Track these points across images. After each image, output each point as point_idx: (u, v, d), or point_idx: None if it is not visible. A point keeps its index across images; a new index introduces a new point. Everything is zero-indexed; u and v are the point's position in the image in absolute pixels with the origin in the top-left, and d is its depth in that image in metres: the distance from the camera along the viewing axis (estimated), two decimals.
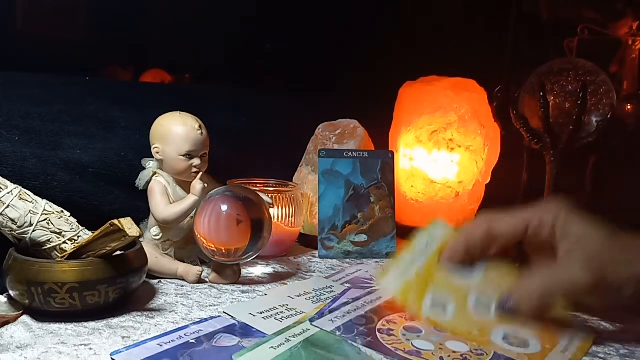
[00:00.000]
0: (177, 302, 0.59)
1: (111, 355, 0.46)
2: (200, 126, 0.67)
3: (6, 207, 0.54)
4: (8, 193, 0.54)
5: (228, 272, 0.66)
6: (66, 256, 0.54)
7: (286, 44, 1.35)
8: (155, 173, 0.68)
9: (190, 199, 0.65)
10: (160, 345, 0.48)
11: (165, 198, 0.66)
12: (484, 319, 0.54)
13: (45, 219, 0.56)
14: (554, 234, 0.51)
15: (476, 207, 0.96)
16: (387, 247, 0.83)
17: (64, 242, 0.56)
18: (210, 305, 0.59)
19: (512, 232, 0.53)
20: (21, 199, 0.55)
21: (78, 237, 0.57)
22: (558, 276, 0.50)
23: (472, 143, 0.90)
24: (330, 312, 0.56)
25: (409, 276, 0.56)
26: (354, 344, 0.50)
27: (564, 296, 0.50)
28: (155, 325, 0.53)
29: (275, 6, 1.32)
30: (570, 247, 0.50)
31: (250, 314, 0.56)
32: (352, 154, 0.84)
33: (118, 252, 0.55)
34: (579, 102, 0.88)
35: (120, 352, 0.47)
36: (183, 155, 0.66)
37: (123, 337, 0.50)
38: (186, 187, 0.67)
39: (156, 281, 0.65)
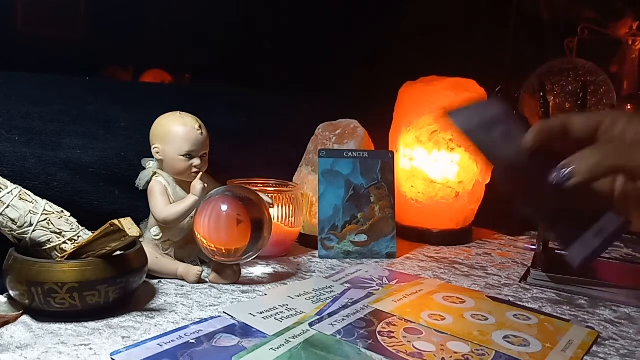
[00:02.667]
0: (177, 302, 0.59)
1: (111, 355, 0.46)
2: (200, 126, 0.67)
3: (6, 207, 0.54)
4: (8, 193, 0.54)
5: (228, 272, 0.66)
6: (66, 256, 0.54)
7: (286, 44, 1.35)
8: (155, 173, 0.68)
9: (190, 199, 0.65)
10: (160, 345, 0.48)
11: (165, 198, 0.66)
12: None
13: (45, 219, 0.56)
14: (626, 128, 0.48)
15: (476, 207, 0.96)
16: (387, 247, 0.83)
17: (64, 242, 0.56)
18: (210, 305, 0.59)
19: (586, 125, 0.49)
20: (21, 199, 0.55)
21: (78, 237, 0.57)
22: (622, 150, 0.46)
23: None
24: (330, 315, 0.56)
25: None
26: (353, 344, 0.50)
27: (623, 171, 0.45)
28: (155, 325, 0.53)
29: (276, 6, 1.32)
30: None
31: (250, 314, 0.56)
32: (352, 154, 0.84)
33: (118, 252, 0.55)
34: (579, 102, 0.88)
35: (120, 352, 0.47)
36: (183, 155, 0.66)
37: (123, 337, 0.50)
38: (186, 187, 0.67)
39: (156, 281, 0.65)
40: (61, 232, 0.56)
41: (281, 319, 0.55)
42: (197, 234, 0.64)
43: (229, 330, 0.52)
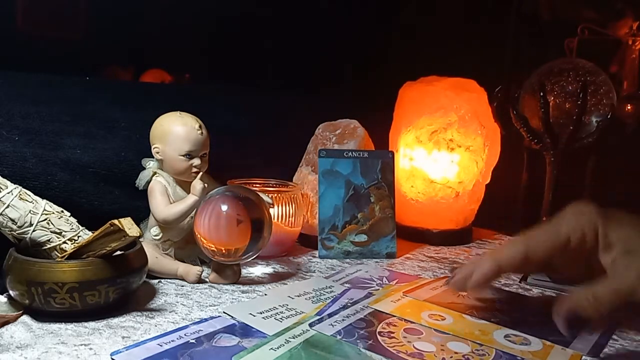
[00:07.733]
0: (177, 302, 0.59)
1: (111, 355, 0.46)
2: (200, 126, 0.67)
3: (6, 207, 0.54)
4: (8, 193, 0.54)
5: (228, 272, 0.66)
6: (66, 256, 0.54)
7: (287, 43, 1.35)
8: (155, 173, 0.68)
9: (190, 199, 0.65)
10: (160, 345, 0.48)
11: (165, 198, 0.66)
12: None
13: (45, 219, 0.56)
14: (596, 245, 0.50)
15: (476, 207, 0.96)
16: (387, 247, 0.83)
17: (64, 242, 0.56)
18: (210, 305, 0.59)
19: (551, 251, 0.52)
20: (21, 199, 0.55)
21: (78, 237, 0.57)
22: (618, 286, 0.47)
23: (472, 143, 0.90)
24: (330, 316, 0.56)
25: None
26: (353, 345, 0.50)
27: (625, 307, 0.47)
28: (155, 325, 0.53)
29: (276, 6, 1.32)
30: (618, 256, 0.48)
31: (250, 314, 0.56)
32: (352, 154, 0.84)
33: (118, 252, 0.55)
34: (579, 102, 0.88)
35: (120, 352, 0.47)
36: (183, 155, 0.66)
37: (123, 337, 0.50)
38: (186, 187, 0.67)
39: (156, 281, 0.65)
40: (61, 232, 0.56)
41: (281, 319, 0.55)
42: (197, 234, 0.64)
43: (229, 330, 0.52)
